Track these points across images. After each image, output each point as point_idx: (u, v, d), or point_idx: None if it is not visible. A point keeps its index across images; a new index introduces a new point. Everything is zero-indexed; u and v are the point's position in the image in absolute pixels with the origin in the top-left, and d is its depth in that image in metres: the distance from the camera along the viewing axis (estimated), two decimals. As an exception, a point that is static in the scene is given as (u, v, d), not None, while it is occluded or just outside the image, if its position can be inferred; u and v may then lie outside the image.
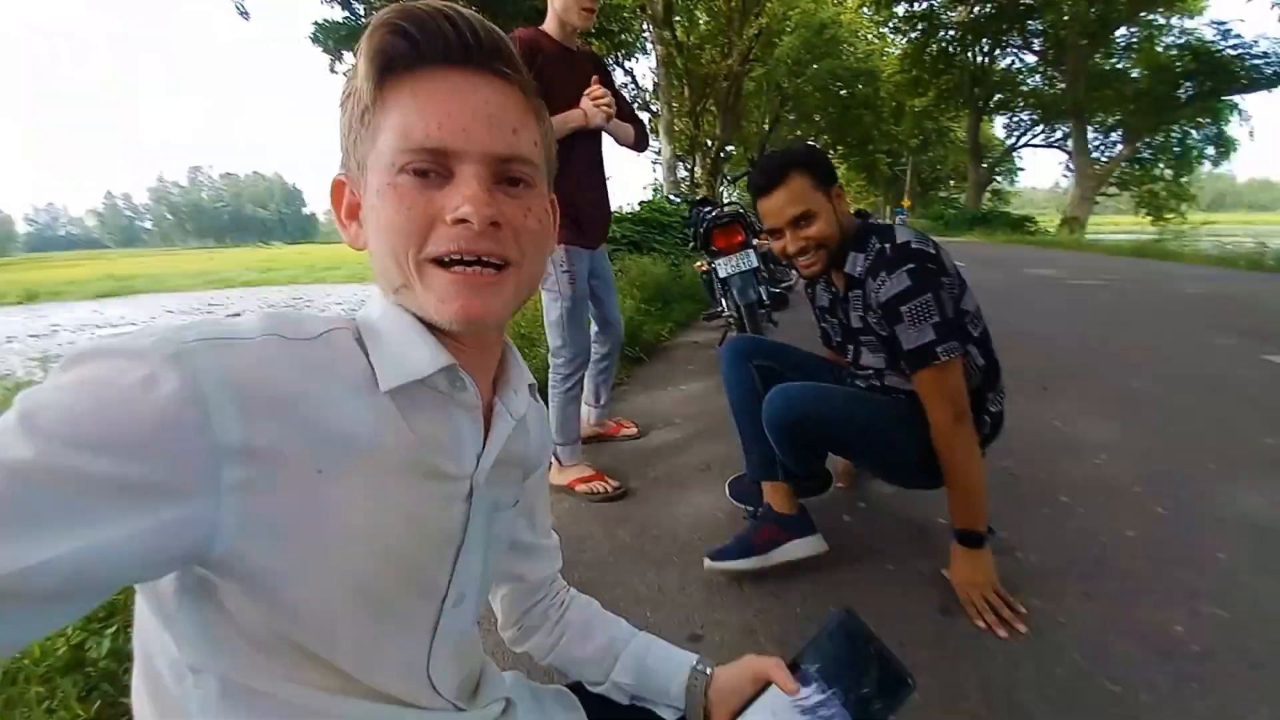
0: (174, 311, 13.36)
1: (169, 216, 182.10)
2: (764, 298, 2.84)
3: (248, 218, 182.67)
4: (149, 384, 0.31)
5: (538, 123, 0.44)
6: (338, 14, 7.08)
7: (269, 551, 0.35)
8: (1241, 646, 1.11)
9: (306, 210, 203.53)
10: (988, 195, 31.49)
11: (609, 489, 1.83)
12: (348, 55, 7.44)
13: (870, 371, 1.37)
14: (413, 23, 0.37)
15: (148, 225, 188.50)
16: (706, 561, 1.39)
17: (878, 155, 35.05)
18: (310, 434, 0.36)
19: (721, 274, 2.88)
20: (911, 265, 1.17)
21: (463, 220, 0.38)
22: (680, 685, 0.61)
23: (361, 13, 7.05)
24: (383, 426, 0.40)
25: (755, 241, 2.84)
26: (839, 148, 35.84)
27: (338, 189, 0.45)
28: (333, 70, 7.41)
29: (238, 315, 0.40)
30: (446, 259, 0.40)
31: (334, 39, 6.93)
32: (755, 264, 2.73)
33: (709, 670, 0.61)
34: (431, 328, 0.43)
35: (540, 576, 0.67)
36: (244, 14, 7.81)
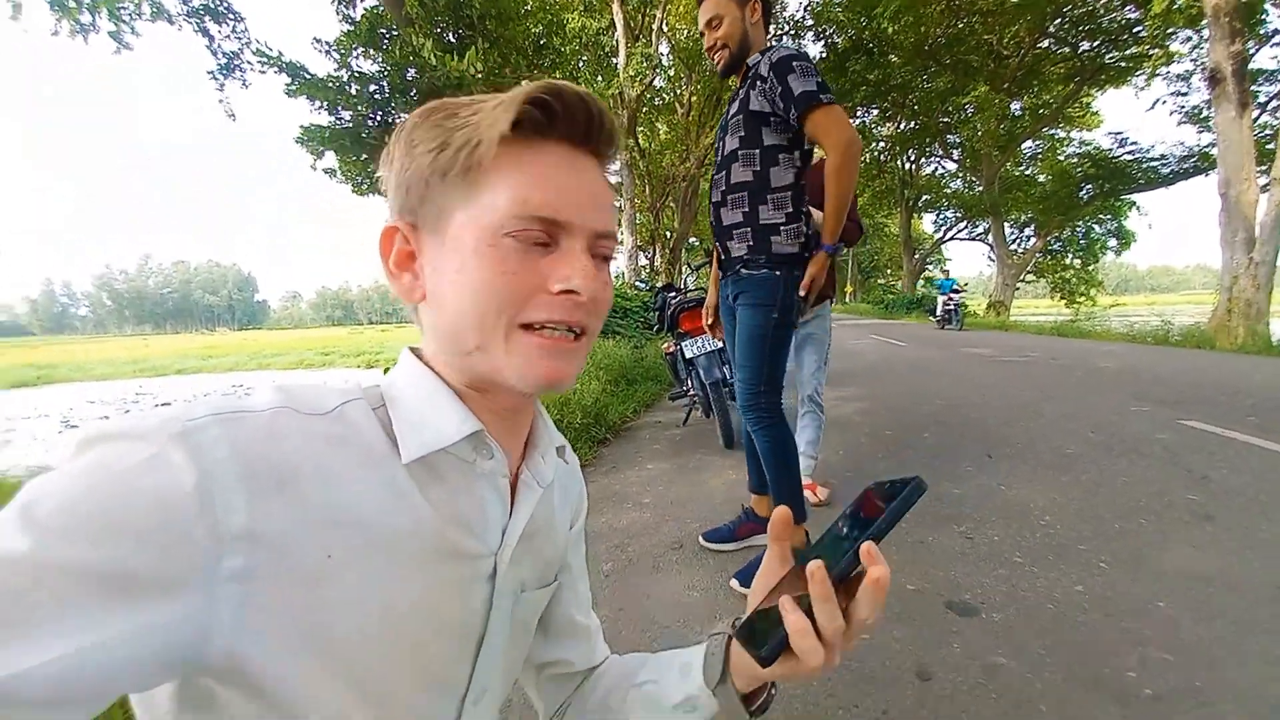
0: (95, 402, 12.58)
1: (108, 303, 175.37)
2: (727, 377, 2.98)
3: (194, 305, 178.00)
4: (151, 466, 0.30)
5: (614, 201, 0.46)
6: (322, 119, 7.45)
7: (270, 649, 0.33)
8: (1190, 688, 1.17)
9: (259, 297, 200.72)
10: (921, 281, 34.24)
11: None
12: (329, 155, 7.74)
13: (723, 166, 1.60)
14: (556, 98, 0.38)
15: (83, 312, 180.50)
16: (700, 539, 1.98)
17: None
18: (320, 516, 0.35)
19: (688, 354, 3.03)
20: (801, 54, 1.47)
21: (570, 291, 0.39)
22: (699, 656, 0.50)
23: (348, 119, 7.46)
24: (398, 504, 0.38)
25: None
26: (787, 239, 38.54)
27: (389, 236, 0.42)
28: (313, 168, 7.70)
29: (249, 391, 0.40)
30: (539, 325, 0.39)
31: (319, 141, 7.29)
32: (720, 345, 2.87)
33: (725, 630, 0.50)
34: (459, 393, 0.42)
35: (582, 667, 0.60)
36: (231, 116, 8.16)
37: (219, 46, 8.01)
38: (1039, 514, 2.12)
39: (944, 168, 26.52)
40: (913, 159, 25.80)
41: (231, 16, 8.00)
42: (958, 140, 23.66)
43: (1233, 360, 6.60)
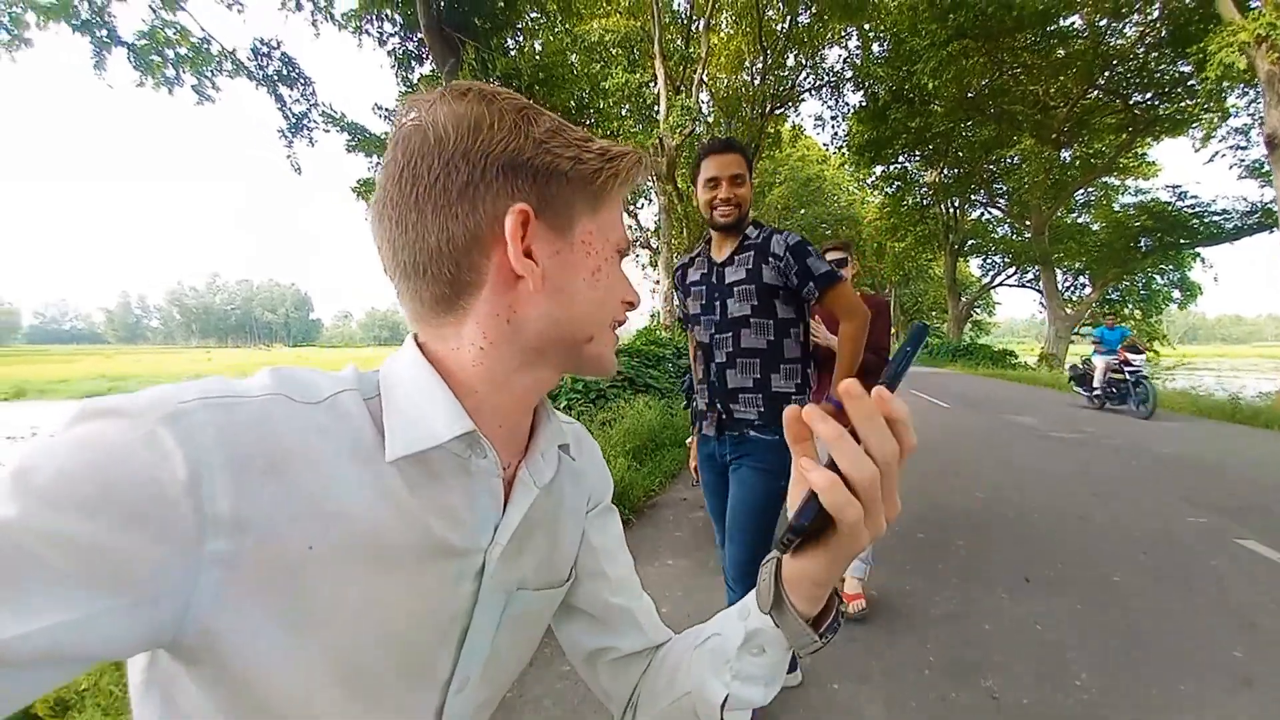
0: None
1: (177, 317, 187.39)
2: None
3: (254, 321, 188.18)
4: (142, 444, 0.31)
5: None
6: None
7: (246, 632, 0.33)
8: None
9: (313, 315, 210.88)
10: (969, 325, 33.13)
11: None
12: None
13: (729, 328, 1.62)
14: (638, 168, 0.47)
15: (154, 324, 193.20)
16: None
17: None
18: (305, 506, 0.35)
19: None
20: (806, 240, 1.59)
21: (632, 303, 0.49)
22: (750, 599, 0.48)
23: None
24: (383, 499, 0.38)
25: None
26: (826, 279, 38.16)
27: (525, 218, 0.40)
28: (365, 218, 8.25)
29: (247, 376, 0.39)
30: (614, 324, 0.48)
31: (369, 192, 7.80)
32: None
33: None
34: (455, 388, 0.42)
35: (641, 646, 0.57)
36: (297, 170, 8.79)
37: (290, 109, 8.70)
38: (1076, 669, 2.00)
39: (990, 213, 25.95)
40: (956, 205, 25.37)
41: (301, 81, 8.70)
42: (1004, 189, 23.19)
43: (1308, 449, 6.10)
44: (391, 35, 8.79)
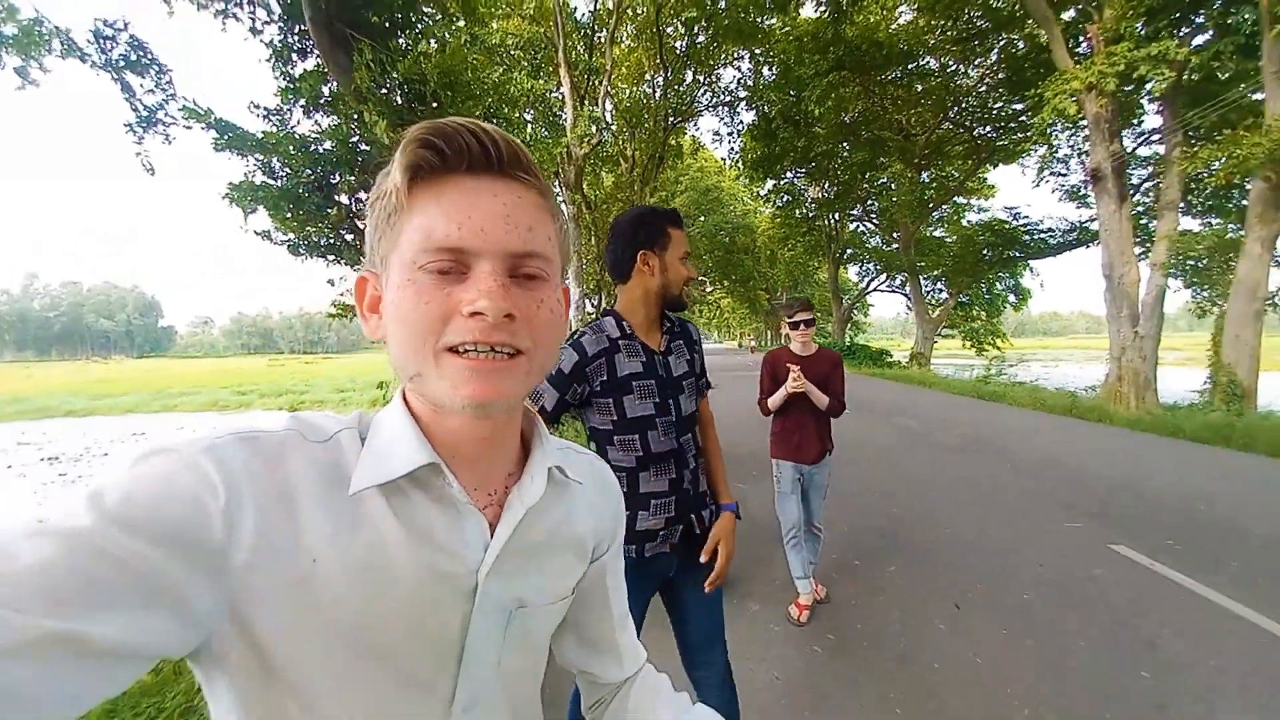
0: None
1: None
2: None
3: (86, 329, 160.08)
4: (188, 472, 0.37)
5: (552, 220, 0.47)
6: (256, 176, 7.04)
7: (271, 632, 0.39)
8: None
9: (163, 322, 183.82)
10: (850, 326, 36.31)
11: None
12: (262, 214, 7.28)
13: (686, 430, 1.40)
14: (440, 136, 0.41)
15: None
16: None
17: (758, 291, 39.54)
18: (310, 526, 0.40)
19: None
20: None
21: (478, 313, 0.40)
22: None
23: (282, 177, 7.08)
24: (373, 525, 0.43)
25: None
26: (724, 284, 40.06)
27: (361, 284, 0.47)
28: (243, 228, 7.23)
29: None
30: (462, 348, 0.41)
31: (249, 198, 6.86)
32: None
33: None
34: (425, 425, 0.46)
35: (610, 680, 0.64)
36: (149, 170, 7.54)
37: (139, 100, 7.40)
38: (1019, 705, 2.16)
39: (865, 226, 28.59)
40: (837, 218, 27.69)
41: (155, 69, 7.45)
42: (876, 206, 25.70)
43: (1132, 443, 7.31)
44: (267, 24, 7.81)
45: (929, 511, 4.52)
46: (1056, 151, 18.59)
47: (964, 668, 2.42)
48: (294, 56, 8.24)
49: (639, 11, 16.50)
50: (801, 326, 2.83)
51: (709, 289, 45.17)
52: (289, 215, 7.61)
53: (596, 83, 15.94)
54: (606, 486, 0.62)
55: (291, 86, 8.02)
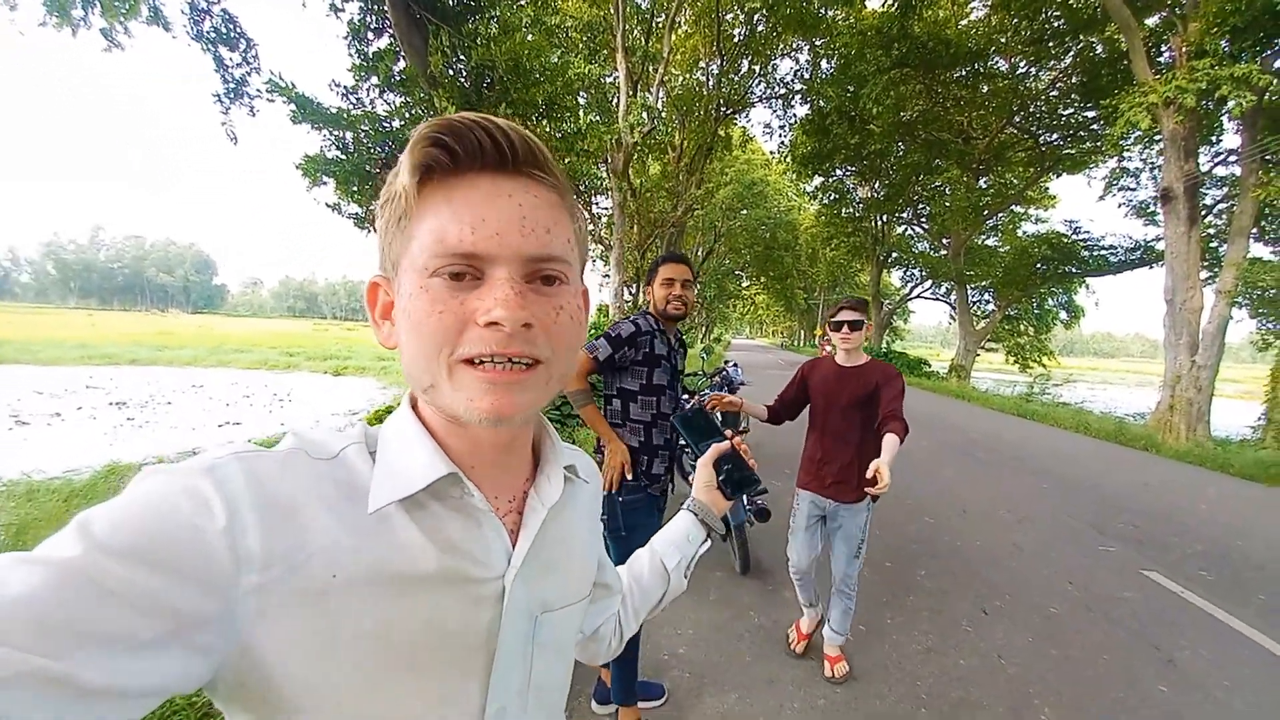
0: (44, 393, 11.55)
1: (52, 273, 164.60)
2: (753, 519, 3.16)
3: (147, 283, 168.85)
4: (183, 495, 0.35)
5: (571, 221, 0.45)
6: (330, 151, 7.43)
7: (282, 655, 0.37)
8: None
9: (217, 280, 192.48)
10: (888, 332, 35.61)
11: None
12: (330, 185, 7.69)
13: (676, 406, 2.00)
14: (451, 133, 0.39)
15: (24, 279, 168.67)
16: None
17: (796, 289, 39.05)
18: (322, 541, 0.39)
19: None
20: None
21: (495, 323, 0.39)
22: (687, 521, 0.78)
23: (352, 149, 7.45)
24: (394, 537, 0.42)
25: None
26: (761, 279, 39.68)
27: (373, 290, 0.46)
28: (309, 193, 7.66)
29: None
30: (478, 359, 0.40)
31: (320, 170, 7.27)
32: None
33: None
34: (439, 435, 0.46)
35: (610, 611, 0.71)
36: (233, 139, 8.00)
37: (231, 72, 7.87)
38: (1039, 705, 2.29)
39: (913, 230, 27.85)
40: (885, 220, 27.08)
41: (243, 43, 7.90)
42: (928, 210, 24.97)
43: (1178, 474, 7.15)
44: (348, 1, 8.15)
45: (962, 523, 4.60)
46: (1128, 165, 17.72)
47: (988, 665, 2.56)
48: (369, 35, 8.57)
49: (700, -1, 16.34)
50: (845, 328, 2.24)
51: (745, 284, 44.83)
52: (356, 190, 8.03)
53: (652, 69, 15.92)
54: (597, 486, 0.65)
55: (365, 64, 8.37)
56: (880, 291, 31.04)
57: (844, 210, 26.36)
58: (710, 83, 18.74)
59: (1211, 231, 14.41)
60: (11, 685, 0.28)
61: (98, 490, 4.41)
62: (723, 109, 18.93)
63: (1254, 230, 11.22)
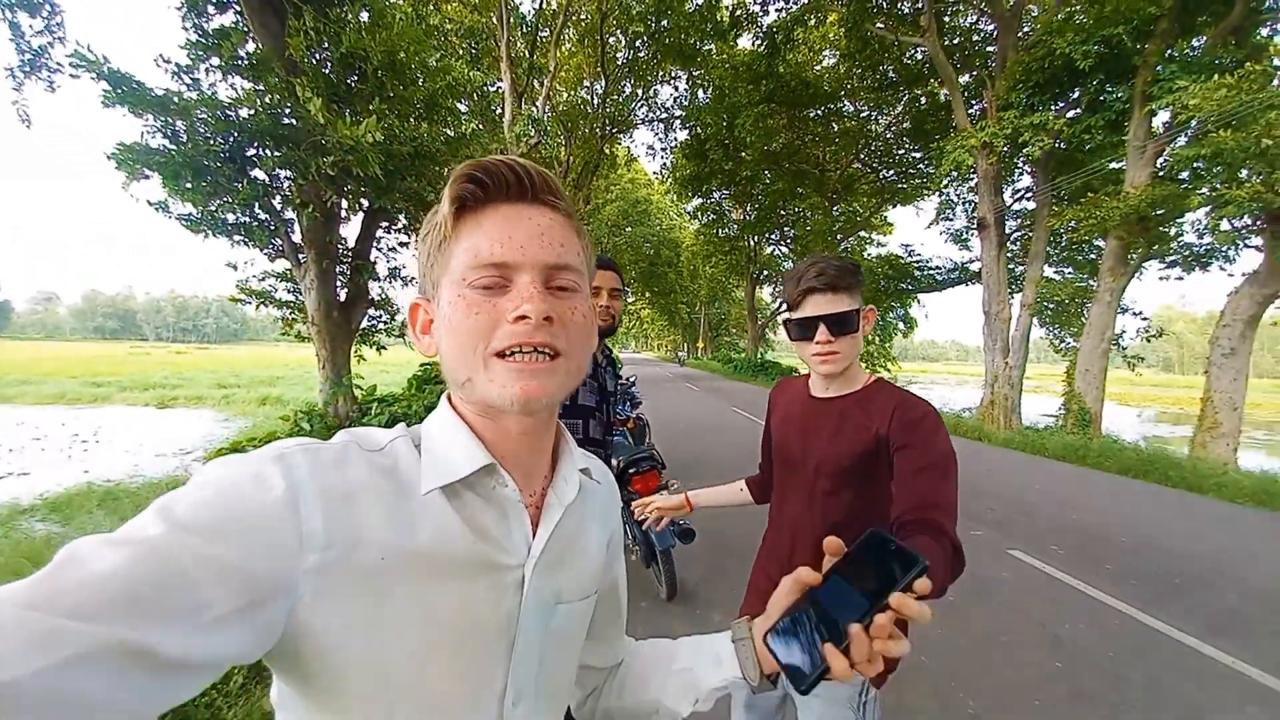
0: None
1: None
2: (676, 544, 3.03)
3: None
4: (254, 478, 0.40)
5: (579, 238, 0.52)
6: (154, 139, 6.22)
7: (336, 632, 0.41)
8: None
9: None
10: (761, 343, 38.41)
11: None
12: (151, 175, 6.42)
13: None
14: (484, 171, 0.47)
15: None
16: None
17: (679, 304, 40.67)
18: (373, 526, 0.43)
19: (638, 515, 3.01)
20: None
21: (523, 317, 0.45)
22: (728, 648, 0.58)
23: (185, 141, 6.27)
24: (435, 523, 0.46)
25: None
26: (646, 294, 40.77)
27: (414, 310, 0.53)
28: (124, 189, 6.34)
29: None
30: (508, 351, 0.45)
31: (141, 162, 6.04)
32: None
33: (750, 622, 0.58)
34: (475, 430, 0.50)
35: (607, 665, 0.68)
36: (25, 121, 6.42)
37: (27, 41, 6.28)
38: (964, 697, 2.43)
39: (780, 250, 30.45)
40: (757, 240, 29.29)
41: (47, 6, 6.38)
42: (792, 233, 27.50)
43: (1008, 460, 8.34)
44: (180, -33, 6.96)
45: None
46: (948, 199, 20.90)
47: (912, 663, 2.66)
48: (210, 9, 7.40)
49: (583, 17, 16.50)
50: (821, 330, 1.11)
51: (631, 299, 45.84)
52: (189, 186, 6.79)
53: (537, 83, 15.71)
54: (612, 490, 0.67)
55: (203, 41, 7.18)
56: (755, 307, 33.40)
57: (721, 230, 28.07)
58: (595, 101, 18.94)
59: (1010, 254, 17.39)
60: (97, 658, 0.30)
61: None
62: (608, 128, 19.22)
63: (1045, 253, 13.62)
